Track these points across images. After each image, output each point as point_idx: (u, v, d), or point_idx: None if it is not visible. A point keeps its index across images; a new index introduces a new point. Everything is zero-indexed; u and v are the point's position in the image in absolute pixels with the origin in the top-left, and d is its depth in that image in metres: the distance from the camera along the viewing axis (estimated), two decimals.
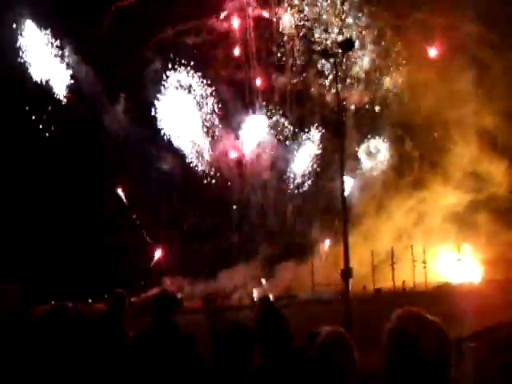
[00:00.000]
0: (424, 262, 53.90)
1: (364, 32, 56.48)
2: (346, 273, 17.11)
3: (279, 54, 57.58)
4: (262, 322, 3.68)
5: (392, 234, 55.05)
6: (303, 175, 58.80)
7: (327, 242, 56.30)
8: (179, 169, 54.72)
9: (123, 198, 54.97)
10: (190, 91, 55.45)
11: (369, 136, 59.22)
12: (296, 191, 58.57)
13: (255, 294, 50.16)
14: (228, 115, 56.00)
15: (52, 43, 50.81)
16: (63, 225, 46.02)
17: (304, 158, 58.61)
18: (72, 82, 51.79)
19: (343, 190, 18.23)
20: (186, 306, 41.20)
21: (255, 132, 57.50)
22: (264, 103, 57.42)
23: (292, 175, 58.67)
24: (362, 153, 59.61)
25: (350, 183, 56.02)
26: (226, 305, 44.04)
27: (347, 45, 19.89)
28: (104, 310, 5.62)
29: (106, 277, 41.09)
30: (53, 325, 3.86)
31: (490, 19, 47.97)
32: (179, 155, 55.46)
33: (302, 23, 57.16)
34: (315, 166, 58.28)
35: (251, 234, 55.69)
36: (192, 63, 54.49)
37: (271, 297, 40.38)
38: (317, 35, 56.42)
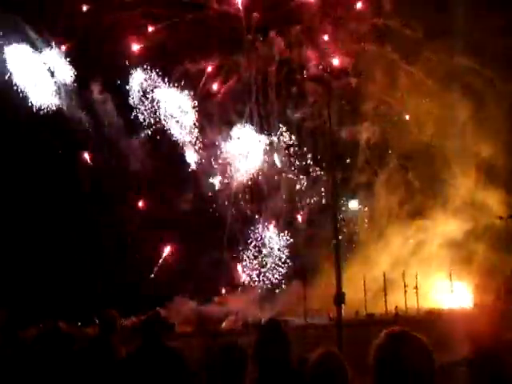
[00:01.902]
0: (416, 288, 53.90)
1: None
2: (339, 298, 17.07)
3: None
4: (266, 343, 3.66)
5: (389, 260, 55.58)
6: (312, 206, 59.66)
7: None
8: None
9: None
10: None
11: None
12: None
13: (249, 319, 50.06)
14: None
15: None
16: (50, 249, 45.75)
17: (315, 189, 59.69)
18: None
19: (336, 220, 18.38)
20: (180, 330, 40.98)
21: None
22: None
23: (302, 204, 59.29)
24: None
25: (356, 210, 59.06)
26: (219, 329, 43.82)
27: (340, 73, 20.13)
28: (95, 332, 5.58)
29: (96, 299, 40.80)
30: (47, 344, 3.85)
31: (483, 52, 49.36)
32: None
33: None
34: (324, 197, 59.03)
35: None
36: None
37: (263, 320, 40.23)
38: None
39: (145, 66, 55.98)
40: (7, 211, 43.56)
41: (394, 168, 59.64)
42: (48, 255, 45.06)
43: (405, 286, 53.89)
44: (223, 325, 49.02)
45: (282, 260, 58.64)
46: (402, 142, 57.10)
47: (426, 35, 53.60)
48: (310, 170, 60.05)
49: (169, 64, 54.80)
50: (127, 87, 56.05)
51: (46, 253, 44.98)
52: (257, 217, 59.11)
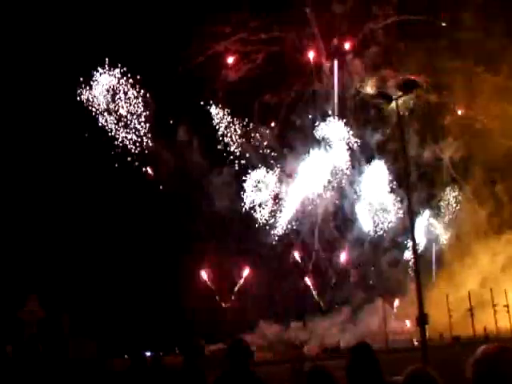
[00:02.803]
0: (507, 306, 50.75)
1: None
2: (422, 319, 16.55)
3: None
4: (358, 367, 3.68)
5: (477, 278, 53.49)
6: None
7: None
8: None
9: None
10: None
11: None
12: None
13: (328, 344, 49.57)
14: None
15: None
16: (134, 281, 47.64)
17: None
18: None
19: (414, 240, 18.00)
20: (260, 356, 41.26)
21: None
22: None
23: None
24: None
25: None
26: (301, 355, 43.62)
27: (410, 86, 19.79)
28: (176, 360, 5.75)
29: (177, 331, 42.09)
30: (135, 375, 4.06)
31: None
32: None
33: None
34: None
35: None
36: None
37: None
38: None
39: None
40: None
41: (480, 181, 57.09)
42: (132, 290, 47.04)
43: (494, 305, 50.99)
44: (305, 350, 48.49)
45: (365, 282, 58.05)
46: (488, 152, 54.32)
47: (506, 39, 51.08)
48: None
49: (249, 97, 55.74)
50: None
51: (131, 288, 47.01)
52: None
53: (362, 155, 59.11)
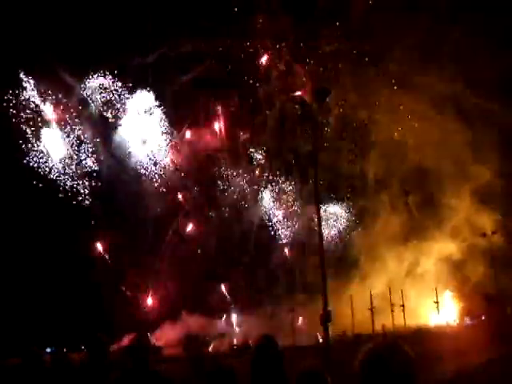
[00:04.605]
0: (402, 306, 54.12)
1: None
2: (326, 317, 17.01)
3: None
4: (261, 360, 3.68)
5: (383, 280, 57.07)
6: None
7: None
8: None
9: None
10: None
11: None
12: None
13: (235, 341, 49.63)
14: None
15: None
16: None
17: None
18: None
19: (321, 239, 18.58)
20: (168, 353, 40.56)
21: None
22: None
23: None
24: None
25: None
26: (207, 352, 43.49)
27: (323, 94, 20.25)
28: (82, 358, 5.53)
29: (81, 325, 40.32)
30: (27, 373, 3.84)
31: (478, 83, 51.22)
32: None
33: None
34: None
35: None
36: None
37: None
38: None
39: None
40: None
41: (396, 193, 61.90)
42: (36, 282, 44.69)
43: (391, 305, 54.27)
44: (210, 348, 48.49)
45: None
46: (403, 166, 59.44)
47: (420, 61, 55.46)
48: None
49: None
50: None
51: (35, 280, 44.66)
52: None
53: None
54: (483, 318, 51.69)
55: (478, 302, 53.40)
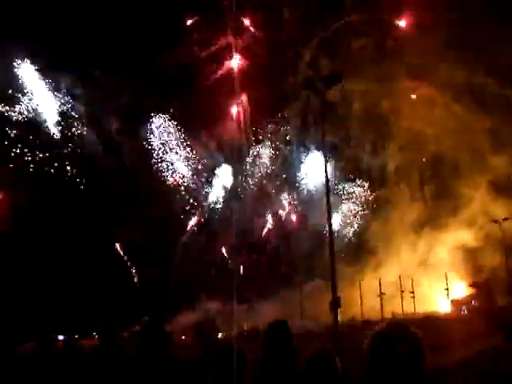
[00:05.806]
0: (412, 293, 54.24)
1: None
2: (335, 302, 17.12)
3: None
4: (272, 344, 3.70)
5: (398, 268, 57.31)
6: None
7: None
8: None
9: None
10: None
11: None
12: None
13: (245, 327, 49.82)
14: None
15: None
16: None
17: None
18: None
19: (330, 226, 18.59)
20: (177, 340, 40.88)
21: None
22: None
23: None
24: None
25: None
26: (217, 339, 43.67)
27: (333, 78, 20.07)
28: (93, 344, 5.52)
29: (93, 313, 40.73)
30: (41, 360, 3.87)
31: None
32: None
33: None
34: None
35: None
36: None
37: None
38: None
39: None
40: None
41: (415, 183, 62.61)
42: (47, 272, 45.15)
43: (401, 292, 54.45)
44: (220, 335, 48.63)
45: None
46: (421, 156, 60.76)
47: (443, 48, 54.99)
48: None
49: None
50: None
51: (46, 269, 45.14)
52: None
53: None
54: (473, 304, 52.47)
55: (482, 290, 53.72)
